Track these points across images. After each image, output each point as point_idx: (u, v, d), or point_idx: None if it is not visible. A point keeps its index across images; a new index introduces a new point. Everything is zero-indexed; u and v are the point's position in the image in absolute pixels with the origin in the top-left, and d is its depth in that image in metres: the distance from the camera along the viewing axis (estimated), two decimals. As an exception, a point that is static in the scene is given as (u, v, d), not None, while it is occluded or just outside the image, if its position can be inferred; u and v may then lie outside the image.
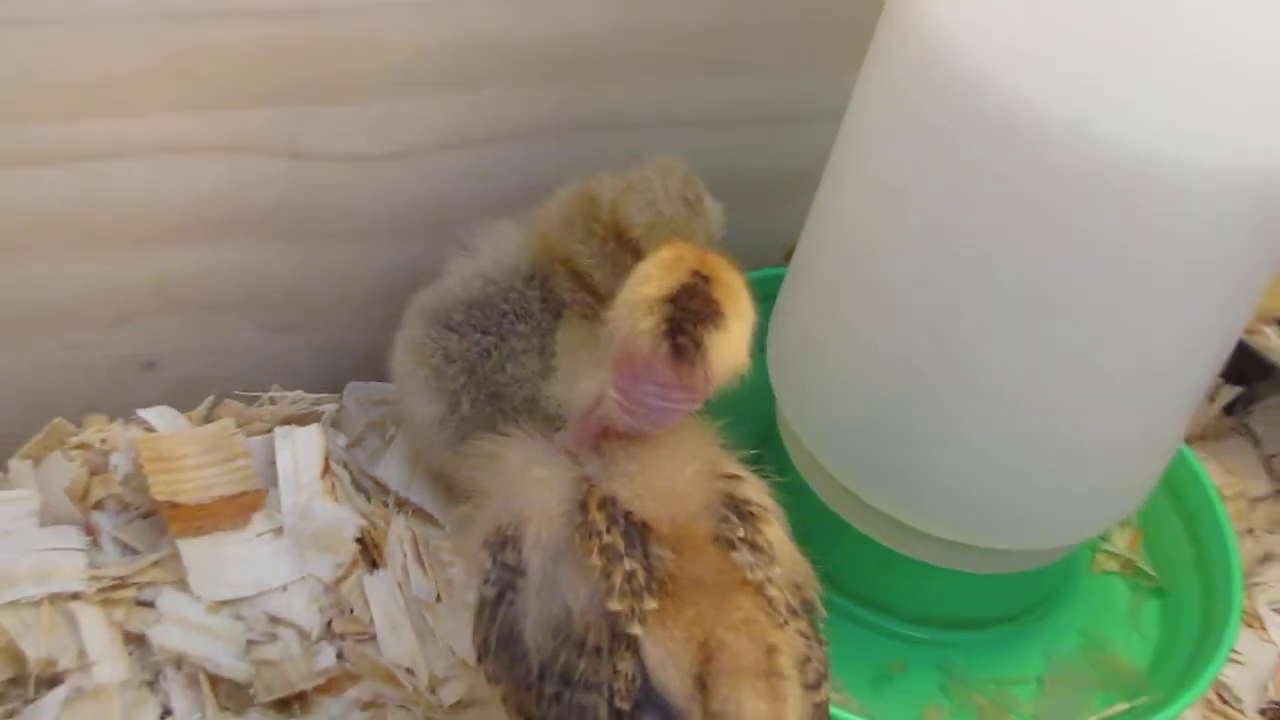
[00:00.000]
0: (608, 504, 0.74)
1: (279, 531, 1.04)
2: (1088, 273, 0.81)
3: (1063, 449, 0.90)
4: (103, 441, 1.06)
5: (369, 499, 1.10)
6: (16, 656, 0.93)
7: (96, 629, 0.96)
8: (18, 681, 0.94)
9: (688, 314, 0.69)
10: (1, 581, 0.96)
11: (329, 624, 1.00)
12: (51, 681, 0.93)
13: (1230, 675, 1.15)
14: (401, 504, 1.10)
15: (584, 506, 0.74)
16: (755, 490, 0.78)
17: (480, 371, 1.03)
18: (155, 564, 1.00)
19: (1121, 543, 1.16)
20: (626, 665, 0.71)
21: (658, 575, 0.72)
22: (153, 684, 0.95)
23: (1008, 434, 0.89)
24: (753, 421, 1.09)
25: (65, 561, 0.99)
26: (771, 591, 0.75)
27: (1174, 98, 0.75)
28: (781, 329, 1.01)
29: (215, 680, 0.96)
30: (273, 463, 1.07)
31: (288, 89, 1.01)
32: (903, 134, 0.86)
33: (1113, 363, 0.86)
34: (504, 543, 0.74)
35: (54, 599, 0.96)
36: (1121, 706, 1.02)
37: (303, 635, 0.98)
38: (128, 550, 1.02)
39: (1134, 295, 0.82)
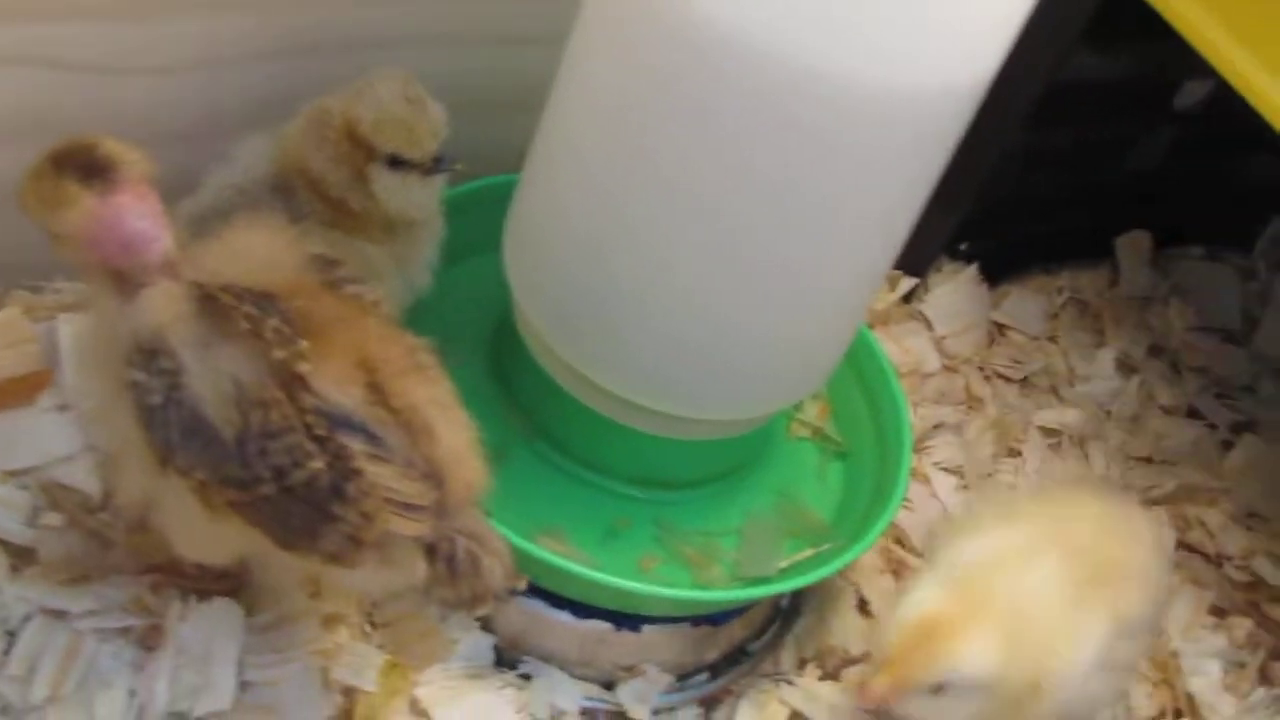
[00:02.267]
0: (229, 289, 0.86)
1: (63, 407, 1.11)
2: (765, 178, 0.92)
3: (748, 336, 1.01)
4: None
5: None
6: None
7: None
8: None
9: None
10: None
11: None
12: None
13: (904, 521, 1.32)
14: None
15: (209, 297, 0.86)
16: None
17: None
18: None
19: (812, 412, 1.28)
20: (308, 399, 0.85)
21: (298, 322, 0.86)
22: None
23: (697, 322, 1.00)
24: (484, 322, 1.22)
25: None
26: (385, 309, 0.93)
27: (835, 16, 0.85)
28: (514, 226, 1.11)
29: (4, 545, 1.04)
30: (57, 346, 1.14)
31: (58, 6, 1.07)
32: (610, 48, 0.96)
33: (789, 260, 0.97)
34: (152, 354, 0.85)
35: None
36: (809, 552, 1.15)
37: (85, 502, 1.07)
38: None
39: (806, 201, 0.93)
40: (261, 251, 0.91)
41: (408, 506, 0.87)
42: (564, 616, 1.11)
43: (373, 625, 1.10)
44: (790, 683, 1.18)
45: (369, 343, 0.89)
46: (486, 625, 1.12)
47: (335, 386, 0.86)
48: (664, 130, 0.94)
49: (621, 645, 1.12)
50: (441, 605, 0.90)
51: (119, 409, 0.87)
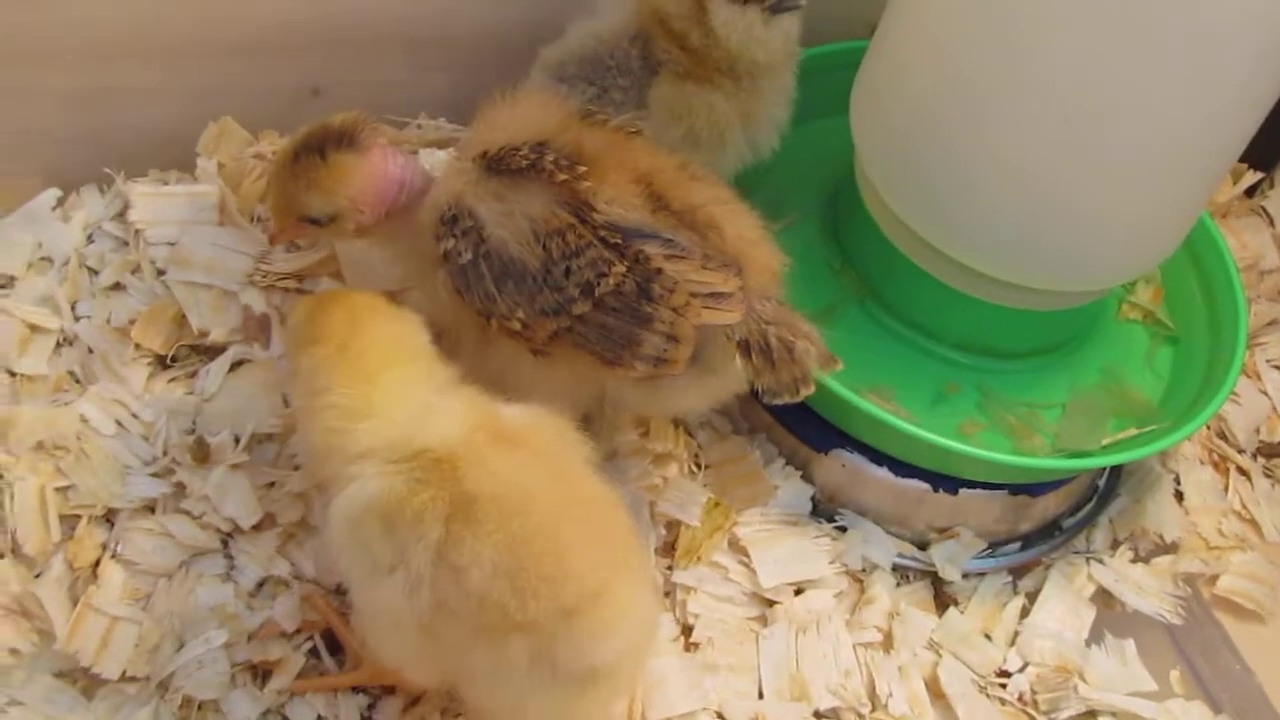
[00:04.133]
0: (502, 150, 0.94)
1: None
2: (1119, 55, 0.92)
3: (1081, 212, 1.02)
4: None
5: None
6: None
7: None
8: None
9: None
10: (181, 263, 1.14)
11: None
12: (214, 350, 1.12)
13: (1229, 414, 1.30)
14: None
15: (492, 158, 0.94)
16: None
17: None
18: (319, 261, 1.16)
19: (1145, 295, 1.27)
20: (597, 216, 0.92)
21: (573, 153, 0.94)
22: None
23: (1029, 193, 1.01)
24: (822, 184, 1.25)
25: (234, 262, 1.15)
26: (647, 132, 1.00)
27: None
28: (863, 90, 1.13)
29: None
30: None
31: None
32: None
33: (1133, 140, 0.97)
34: (452, 219, 0.94)
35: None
36: (1132, 431, 1.15)
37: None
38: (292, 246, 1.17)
39: (1159, 83, 0.93)
40: (534, 114, 0.98)
41: (715, 296, 0.93)
42: (883, 473, 1.13)
43: (698, 466, 1.15)
44: (1101, 561, 1.19)
45: (640, 159, 0.96)
46: (806, 475, 1.16)
47: (619, 201, 0.93)
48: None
49: (937, 506, 1.14)
50: (767, 394, 0.95)
51: (437, 299, 0.96)
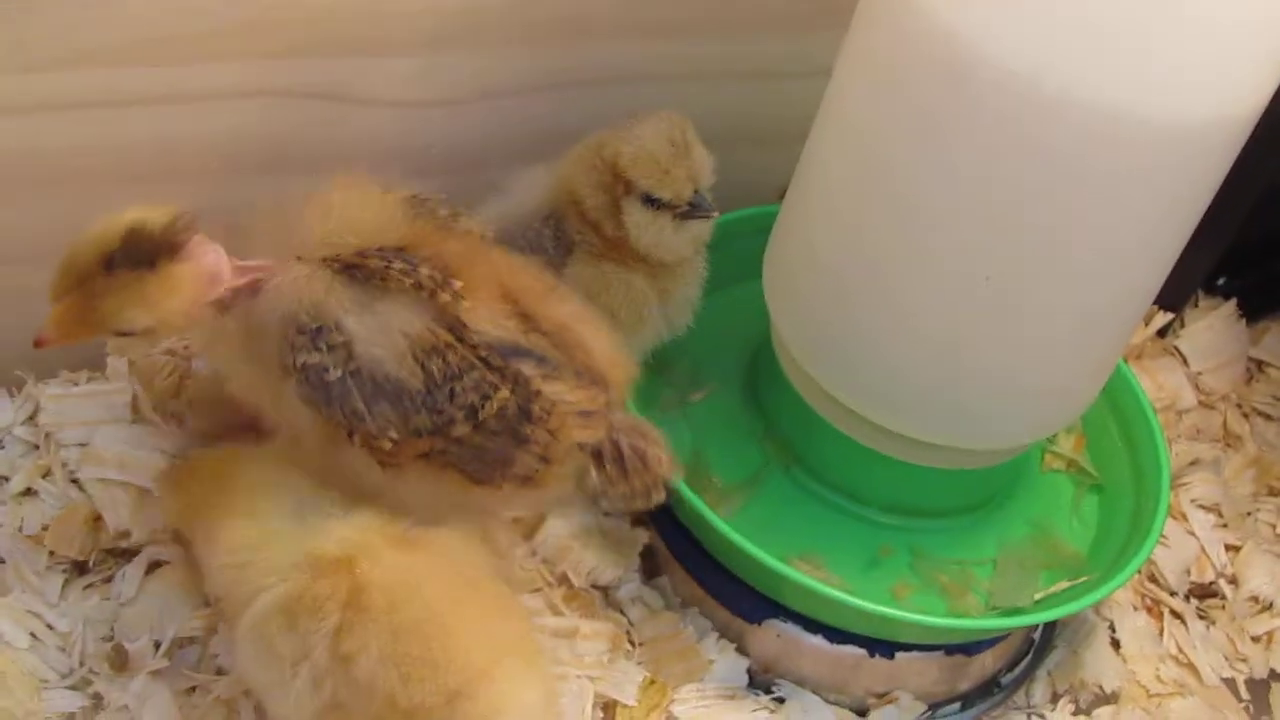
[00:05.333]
0: (369, 252, 0.90)
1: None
2: (1023, 215, 0.93)
3: (999, 375, 1.02)
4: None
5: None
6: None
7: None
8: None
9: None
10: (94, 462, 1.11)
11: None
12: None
13: (1159, 557, 1.30)
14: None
15: (353, 265, 0.89)
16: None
17: None
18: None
19: (1067, 445, 1.28)
20: (475, 336, 0.90)
21: (438, 266, 0.91)
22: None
23: (943, 360, 1.01)
24: (741, 350, 1.26)
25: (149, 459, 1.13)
26: (484, 231, 0.99)
27: (1106, 48, 0.85)
28: (774, 255, 1.14)
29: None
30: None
31: (342, 42, 1.13)
32: (878, 86, 0.97)
33: (1044, 299, 0.98)
34: (315, 331, 0.88)
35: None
36: (1064, 584, 1.14)
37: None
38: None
39: (1067, 238, 0.94)
40: (368, 211, 0.94)
41: (585, 414, 0.93)
42: (818, 641, 1.12)
43: (632, 644, 1.13)
44: (1042, 716, 1.18)
45: (504, 274, 0.95)
46: (741, 647, 1.14)
47: (492, 320, 0.92)
48: (914, 166, 0.96)
49: (875, 672, 1.13)
50: (619, 505, 0.96)
51: (282, 403, 0.92)
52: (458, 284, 0.90)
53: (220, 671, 1.03)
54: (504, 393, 0.90)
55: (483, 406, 0.90)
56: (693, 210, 1.09)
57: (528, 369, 0.91)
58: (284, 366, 0.90)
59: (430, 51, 1.17)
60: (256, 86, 1.13)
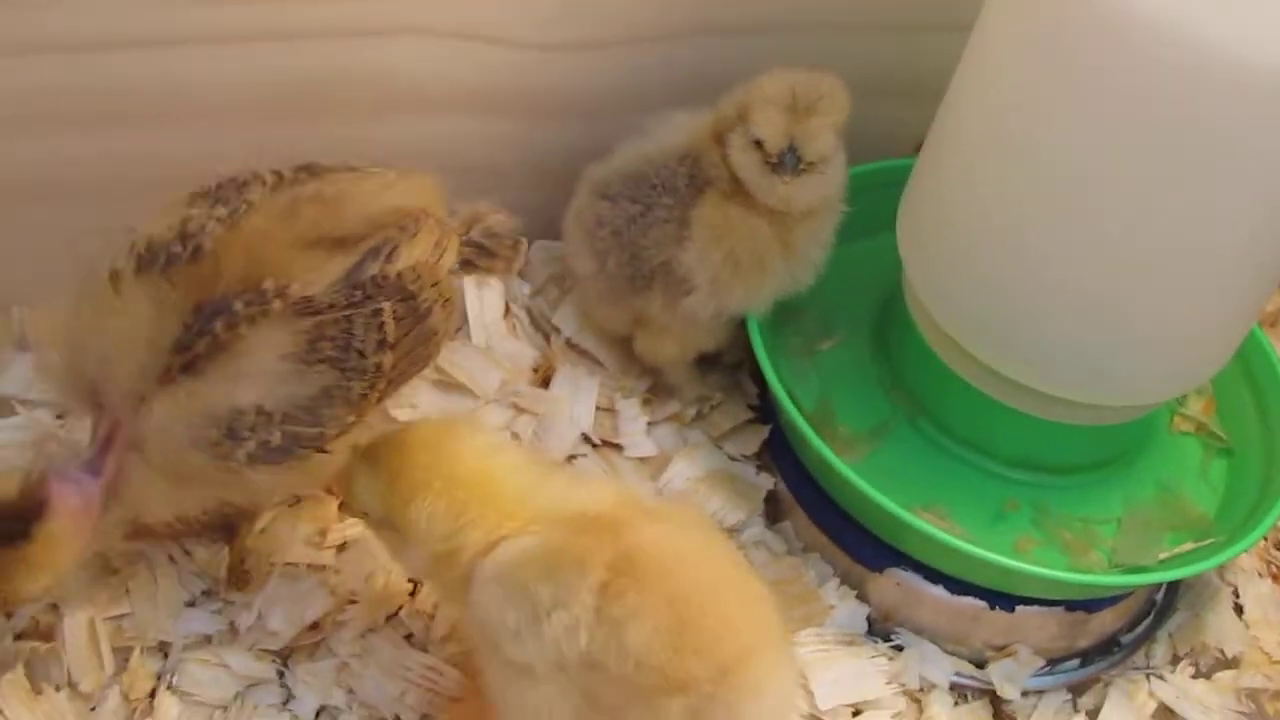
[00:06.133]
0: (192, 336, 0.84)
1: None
2: (1192, 171, 0.92)
3: (1130, 332, 1.02)
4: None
5: (547, 339, 1.27)
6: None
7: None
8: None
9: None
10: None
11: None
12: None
13: (1286, 525, 1.28)
14: (571, 346, 1.26)
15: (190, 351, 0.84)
16: None
17: (626, 235, 1.15)
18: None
19: (1196, 408, 1.27)
20: (319, 301, 0.87)
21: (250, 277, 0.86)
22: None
23: (1076, 317, 1.01)
24: (872, 301, 1.26)
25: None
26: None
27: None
28: (909, 209, 1.14)
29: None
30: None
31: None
32: (1023, 40, 0.97)
33: (1181, 259, 0.97)
34: (229, 432, 0.84)
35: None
36: (1189, 546, 1.14)
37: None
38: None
39: (1207, 198, 0.93)
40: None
41: (436, 246, 0.96)
42: (939, 591, 1.12)
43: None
44: (1162, 678, 1.17)
45: (261, 235, 0.88)
46: (861, 595, 1.15)
47: (313, 270, 0.88)
48: (1063, 124, 0.95)
49: (994, 624, 1.13)
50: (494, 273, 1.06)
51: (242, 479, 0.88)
52: (268, 283, 0.85)
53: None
54: (384, 305, 0.89)
55: (383, 330, 0.89)
56: (780, 163, 1.10)
57: (373, 267, 0.89)
58: (225, 463, 0.86)
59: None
60: (401, 24, 1.15)
